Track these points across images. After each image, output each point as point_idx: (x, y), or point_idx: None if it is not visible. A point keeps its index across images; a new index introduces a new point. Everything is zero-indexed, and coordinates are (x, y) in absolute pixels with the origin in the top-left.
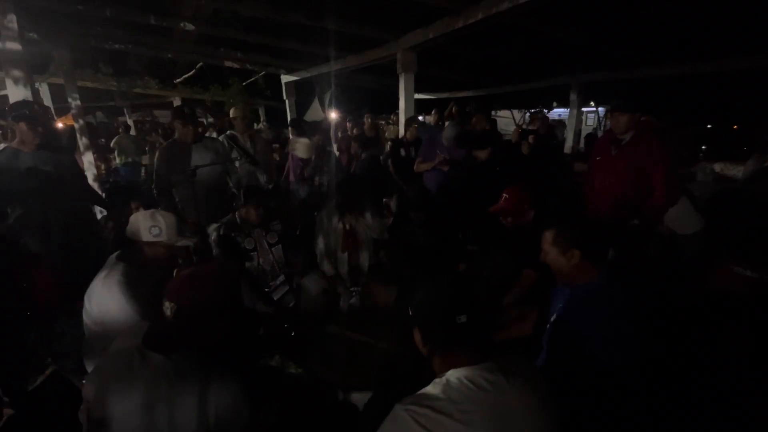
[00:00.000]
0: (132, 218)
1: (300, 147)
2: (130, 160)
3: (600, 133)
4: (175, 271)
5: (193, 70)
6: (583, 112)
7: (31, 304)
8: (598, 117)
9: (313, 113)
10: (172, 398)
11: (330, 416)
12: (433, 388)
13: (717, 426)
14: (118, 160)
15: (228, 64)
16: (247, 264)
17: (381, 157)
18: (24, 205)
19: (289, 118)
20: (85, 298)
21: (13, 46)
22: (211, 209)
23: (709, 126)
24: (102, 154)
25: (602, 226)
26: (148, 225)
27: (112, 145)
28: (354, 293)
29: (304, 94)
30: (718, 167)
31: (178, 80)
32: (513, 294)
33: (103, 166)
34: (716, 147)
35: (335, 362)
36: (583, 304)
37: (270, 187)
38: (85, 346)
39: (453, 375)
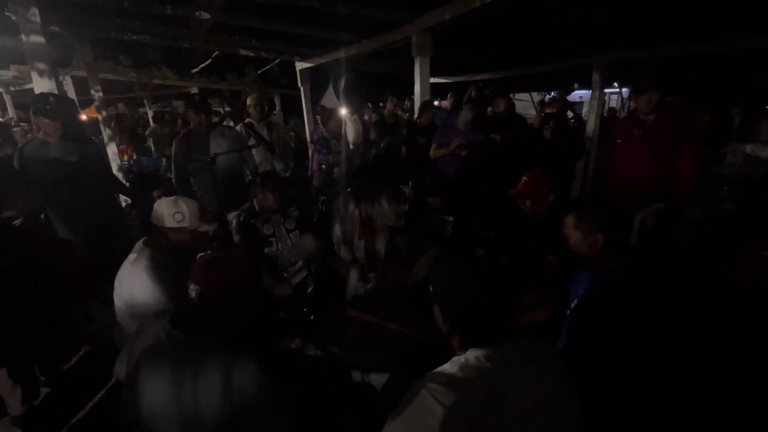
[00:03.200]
0: (156, 205)
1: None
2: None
3: (622, 115)
4: (199, 255)
5: (209, 60)
6: (605, 93)
7: (64, 288)
8: (622, 98)
9: (328, 100)
10: (198, 377)
11: (348, 396)
12: (451, 367)
13: (730, 425)
14: (154, 153)
15: (243, 52)
16: (266, 249)
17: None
18: (53, 193)
19: (304, 106)
20: (116, 281)
21: (37, 39)
22: (229, 197)
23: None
24: (134, 145)
25: (625, 211)
26: (172, 211)
27: (147, 133)
28: (371, 278)
29: (318, 80)
30: (748, 149)
31: (194, 70)
32: (533, 279)
33: (125, 156)
34: (747, 128)
35: (353, 345)
36: (607, 291)
37: (287, 174)
38: (117, 327)
39: (472, 354)
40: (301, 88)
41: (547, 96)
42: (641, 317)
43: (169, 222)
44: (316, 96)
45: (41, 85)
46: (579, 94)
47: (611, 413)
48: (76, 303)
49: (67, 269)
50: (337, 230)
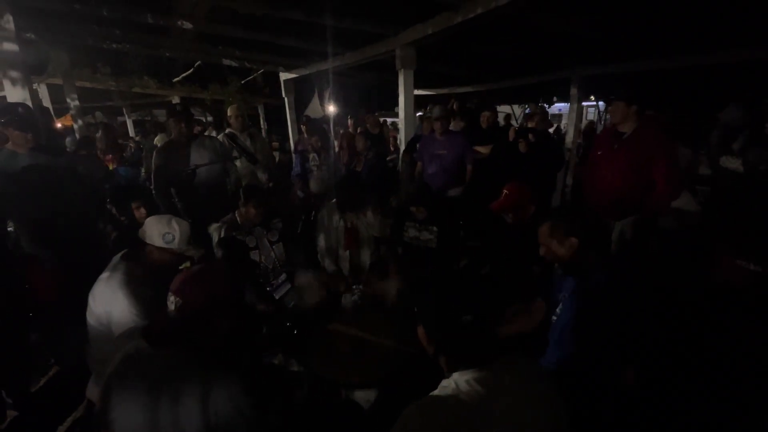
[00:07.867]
0: (148, 221)
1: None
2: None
3: (599, 127)
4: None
5: (191, 69)
6: (583, 106)
7: (32, 305)
8: (599, 111)
9: (313, 110)
10: (176, 396)
11: (332, 414)
12: (442, 392)
13: (718, 422)
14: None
15: (226, 62)
16: (249, 262)
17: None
18: (23, 206)
19: (288, 116)
20: (89, 297)
21: (10, 47)
22: (210, 208)
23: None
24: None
25: (601, 218)
26: (163, 231)
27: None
28: (355, 291)
29: (303, 91)
30: (720, 160)
31: (176, 79)
32: (518, 289)
33: (111, 166)
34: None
35: (337, 360)
36: (590, 297)
37: (270, 185)
38: (88, 347)
39: (461, 378)
40: (285, 99)
41: (527, 109)
42: (625, 322)
43: (158, 241)
44: (300, 106)
45: (14, 94)
46: (558, 107)
47: (613, 413)
48: (45, 321)
49: (34, 285)
50: (321, 241)
